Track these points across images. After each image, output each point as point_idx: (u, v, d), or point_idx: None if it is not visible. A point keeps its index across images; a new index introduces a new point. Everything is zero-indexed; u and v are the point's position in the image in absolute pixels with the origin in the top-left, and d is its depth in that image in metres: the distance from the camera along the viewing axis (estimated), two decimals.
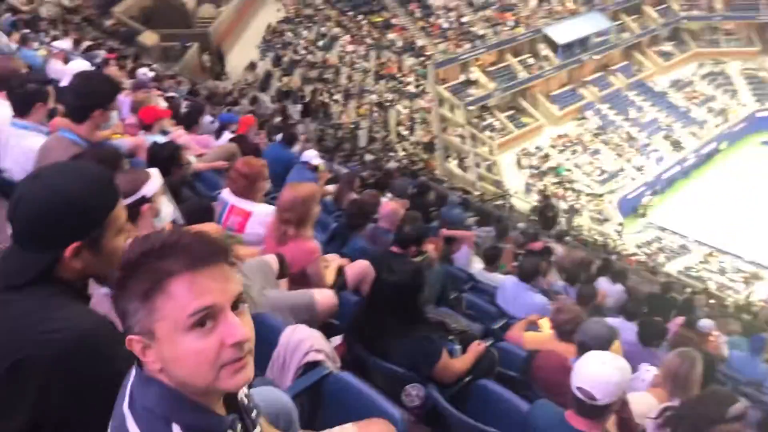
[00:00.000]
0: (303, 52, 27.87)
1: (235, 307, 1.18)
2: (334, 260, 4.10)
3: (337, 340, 3.46)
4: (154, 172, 2.76)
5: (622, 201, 28.17)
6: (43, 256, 1.51)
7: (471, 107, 30.76)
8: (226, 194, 4.18)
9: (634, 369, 4.17)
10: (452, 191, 17.46)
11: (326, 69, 27.69)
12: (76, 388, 1.41)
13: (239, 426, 1.29)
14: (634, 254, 23.56)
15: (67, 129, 3.32)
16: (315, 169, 7.67)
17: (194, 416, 1.18)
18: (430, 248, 5.84)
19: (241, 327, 1.17)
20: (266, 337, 2.82)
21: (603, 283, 8.81)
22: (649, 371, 4.08)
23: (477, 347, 3.41)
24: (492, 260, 7.48)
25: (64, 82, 8.00)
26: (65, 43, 10.16)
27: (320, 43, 29.33)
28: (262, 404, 2.15)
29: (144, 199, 2.65)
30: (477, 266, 7.72)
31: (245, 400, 1.38)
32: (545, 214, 16.53)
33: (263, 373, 2.72)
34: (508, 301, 5.91)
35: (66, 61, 8.97)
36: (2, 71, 3.94)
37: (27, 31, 9.66)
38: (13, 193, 1.56)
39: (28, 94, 3.49)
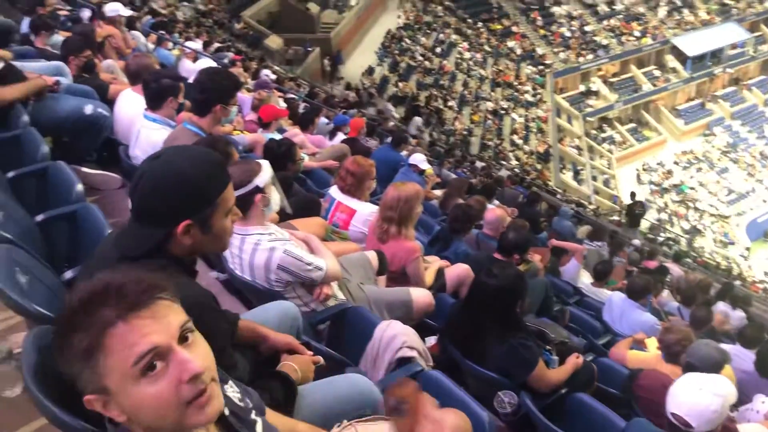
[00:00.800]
0: (420, 58, 28.09)
1: (183, 339, 1.13)
2: (434, 262, 4.11)
3: (432, 340, 3.47)
4: (266, 164, 2.88)
5: (750, 224, 26.38)
6: (157, 231, 1.63)
7: (590, 118, 29.88)
8: (333, 191, 4.29)
9: (748, 399, 3.90)
10: (565, 203, 17.02)
11: (442, 75, 27.77)
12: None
13: None
14: (761, 281, 21.98)
15: (190, 121, 3.53)
16: (422, 173, 7.73)
17: None
18: (535, 258, 5.73)
19: (192, 361, 1.11)
20: (362, 331, 2.88)
21: (721, 308, 8.28)
22: (764, 403, 3.80)
23: (575, 360, 3.32)
24: (602, 275, 7.23)
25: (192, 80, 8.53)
26: (196, 44, 10.76)
27: (438, 49, 29.46)
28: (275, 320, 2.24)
29: (257, 189, 2.77)
30: (585, 280, 7.48)
31: (236, 410, 1.35)
32: (633, 211, 15.81)
33: (356, 364, 2.77)
34: (615, 318, 5.70)
35: (195, 60, 9.55)
36: (138, 67, 4.24)
37: (162, 32, 10.32)
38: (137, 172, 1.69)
39: (161, 89, 3.74)
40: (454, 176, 10.56)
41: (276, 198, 2.92)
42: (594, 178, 26.66)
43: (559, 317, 5.08)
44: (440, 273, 4.06)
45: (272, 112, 6.21)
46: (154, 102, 3.77)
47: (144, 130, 3.77)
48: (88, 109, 3.86)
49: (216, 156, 1.76)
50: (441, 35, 30.48)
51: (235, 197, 2.66)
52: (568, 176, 26.05)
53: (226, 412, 1.29)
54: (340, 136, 8.33)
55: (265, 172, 2.84)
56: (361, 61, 26.10)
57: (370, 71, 25.75)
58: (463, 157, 19.01)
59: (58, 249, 2.72)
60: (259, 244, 2.79)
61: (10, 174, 2.97)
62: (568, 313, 5.39)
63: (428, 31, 30.58)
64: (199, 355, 1.14)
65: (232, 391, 1.39)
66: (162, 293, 1.13)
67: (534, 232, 7.57)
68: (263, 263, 2.77)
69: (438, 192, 8.37)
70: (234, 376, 1.51)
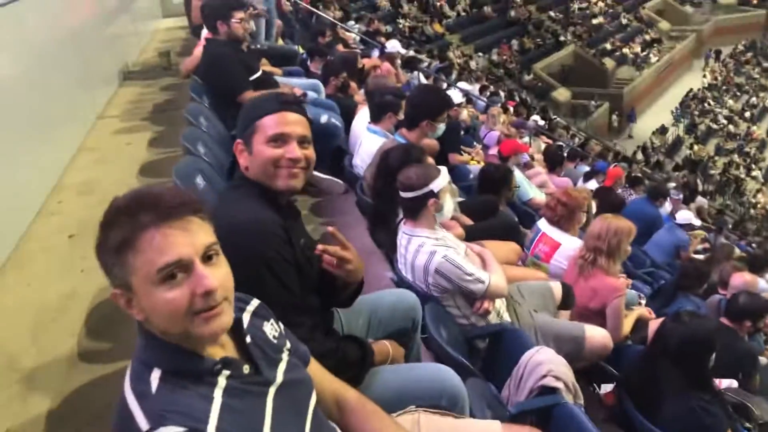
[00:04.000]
0: (723, 121, 25.63)
1: (207, 258, 1.21)
2: (636, 309, 3.73)
3: (608, 387, 3.14)
4: (444, 171, 2.93)
5: None
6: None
7: None
8: (541, 222, 4.16)
9: None
10: None
11: (748, 142, 24.96)
12: (239, 265, 1.62)
13: (245, 366, 1.29)
14: None
15: (400, 134, 3.73)
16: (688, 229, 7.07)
17: (173, 358, 1.21)
18: None
19: (209, 278, 1.19)
20: (512, 353, 2.74)
21: None
22: None
23: None
24: None
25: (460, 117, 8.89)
26: (469, 87, 11.20)
27: (747, 114, 26.59)
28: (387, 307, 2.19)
29: (431, 194, 2.83)
30: None
31: (261, 342, 1.38)
32: None
33: (501, 385, 2.64)
34: None
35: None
36: (374, 86, 4.61)
37: (441, 74, 10.98)
38: None
39: (383, 104, 4.03)
40: (725, 244, 9.40)
41: (449, 206, 2.95)
42: None
43: None
44: (642, 324, 3.67)
45: (512, 147, 6.22)
46: (376, 115, 4.06)
47: (365, 140, 4.08)
48: (323, 118, 4.28)
49: (270, 93, 1.89)
50: (753, 99, 27.49)
51: (408, 199, 2.85)
52: None
53: (248, 339, 1.34)
54: (593, 184, 7.99)
55: (442, 178, 2.89)
56: (653, 120, 24.72)
57: (662, 130, 24.21)
58: (757, 231, 16.79)
59: None
60: (423, 246, 2.82)
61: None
62: None
63: (738, 94, 27.81)
64: (218, 276, 1.23)
65: (271, 328, 1.44)
66: (195, 212, 1.23)
67: None
68: (423, 265, 2.80)
69: (701, 256, 7.56)
70: (298, 334, 1.57)
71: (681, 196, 9.78)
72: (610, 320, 3.45)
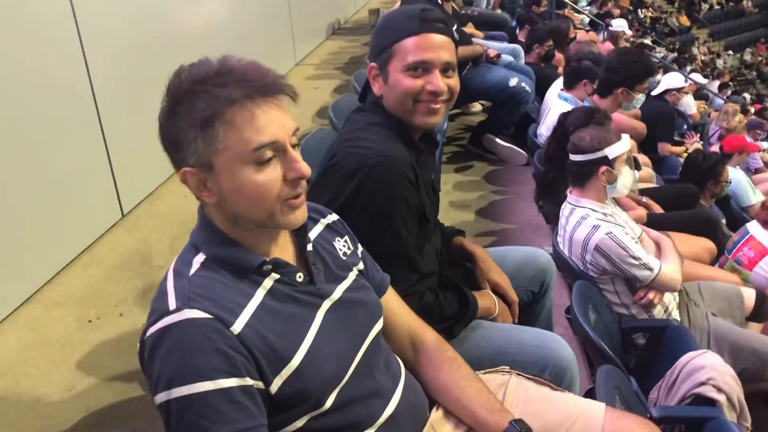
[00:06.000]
0: None
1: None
2: None
3: None
4: (626, 138, 2.58)
5: None
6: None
7: None
8: (752, 224, 3.56)
9: None
10: None
11: None
12: (358, 204, 1.49)
13: (299, 274, 1.17)
14: None
15: (590, 101, 3.39)
16: None
17: (223, 247, 1.12)
18: None
19: (301, 163, 1.09)
20: (674, 354, 2.34)
21: None
22: None
23: None
24: None
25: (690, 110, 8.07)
26: (704, 81, 10.09)
27: None
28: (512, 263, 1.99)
29: (605, 160, 2.51)
30: None
31: (324, 253, 1.27)
32: None
33: (650, 387, 2.28)
34: None
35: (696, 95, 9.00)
36: (575, 51, 4.25)
37: (672, 65, 10.02)
38: None
39: (578, 70, 3.69)
40: None
41: (627, 181, 2.58)
42: None
43: None
44: None
45: (737, 144, 5.47)
46: (570, 81, 3.74)
47: (553, 108, 3.77)
48: (513, 81, 4.04)
49: (412, 8, 1.60)
50: None
51: (577, 162, 2.55)
52: None
53: (309, 248, 1.24)
54: None
55: (621, 145, 2.54)
56: None
57: None
58: None
59: None
60: (585, 219, 2.51)
61: None
62: None
63: None
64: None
65: (343, 244, 1.33)
66: (286, 90, 1.10)
67: None
68: (582, 239, 2.49)
69: None
70: (400, 288, 1.46)
71: None
72: None
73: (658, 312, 2.58)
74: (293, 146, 1.11)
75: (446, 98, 1.59)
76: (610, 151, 2.51)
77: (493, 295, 1.77)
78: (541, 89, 4.43)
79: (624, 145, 2.56)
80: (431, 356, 1.38)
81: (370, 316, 1.28)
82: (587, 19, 10.11)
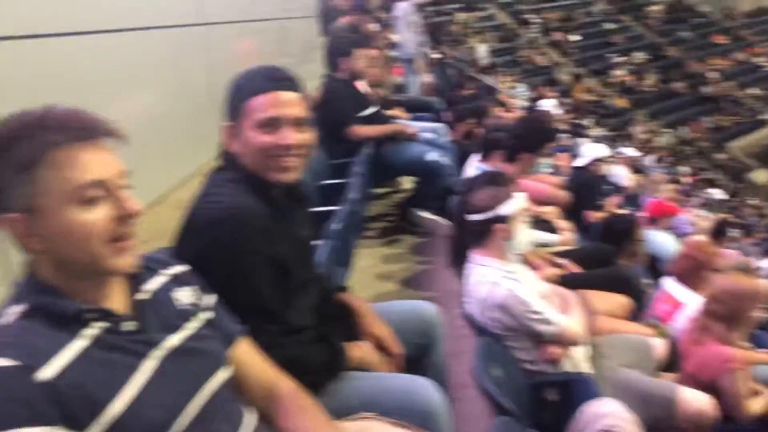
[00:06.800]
0: None
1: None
2: None
3: None
4: (520, 196, 2.66)
5: None
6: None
7: None
8: (667, 280, 3.66)
9: None
10: None
11: None
12: (212, 258, 1.49)
13: (129, 323, 1.18)
14: None
15: (499, 168, 3.50)
16: None
17: (41, 297, 1.11)
18: None
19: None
20: (582, 404, 2.34)
21: None
22: None
23: None
24: None
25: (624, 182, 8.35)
26: (633, 152, 10.50)
27: None
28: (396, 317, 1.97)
29: (498, 218, 2.58)
30: None
31: (165, 300, 1.28)
32: None
33: None
34: None
35: (630, 168, 9.35)
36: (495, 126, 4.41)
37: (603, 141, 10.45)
38: None
39: (492, 141, 3.83)
40: None
41: (524, 237, 2.65)
42: None
43: None
44: None
45: (662, 209, 5.67)
46: (484, 152, 3.86)
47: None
48: (430, 156, 4.17)
49: (260, 68, 1.66)
50: None
51: (474, 222, 2.62)
52: None
53: (143, 296, 1.24)
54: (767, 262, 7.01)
55: (514, 203, 2.62)
56: None
57: None
58: None
59: None
60: (486, 277, 2.55)
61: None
62: None
63: None
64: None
65: (188, 294, 1.33)
66: (109, 133, 1.14)
67: None
68: (484, 297, 2.52)
69: None
70: (259, 341, 1.46)
71: None
72: (726, 397, 2.88)
73: (567, 367, 2.58)
74: (123, 187, 1.14)
75: (300, 152, 1.63)
76: (504, 209, 2.58)
77: (368, 347, 1.76)
78: (465, 164, 4.57)
79: (517, 203, 2.63)
80: (285, 406, 1.38)
81: (211, 366, 1.27)
82: (523, 104, 10.59)
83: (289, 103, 1.61)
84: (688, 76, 24.25)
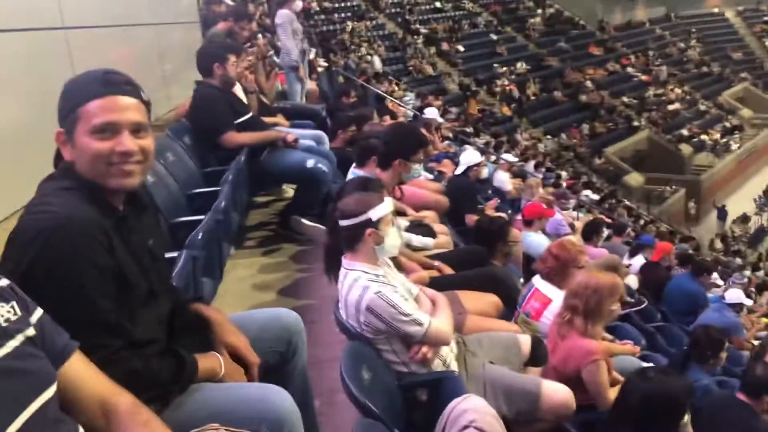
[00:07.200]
0: None
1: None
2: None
3: None
4: (387, 201, 2.70)
5: None
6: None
7: None
8: (536, 278, 3.82)
9: None
10: None
11: None
12: (40, 271, 1.42)
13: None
14: None
15: (375, 174, 3.55)
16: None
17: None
18: None
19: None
20: (447, 400, 2.40)
21: None
22: None
23: None
24: None
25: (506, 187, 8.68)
26: (513, 159, 10.96)
27: None
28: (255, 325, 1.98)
29: (369, 222, 2.60)
30: None
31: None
32: None
33: None
34: None
35: (511, 173, 9.74)
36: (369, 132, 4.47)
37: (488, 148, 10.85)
38: None
39: (366, 148, 3.88)
40: None
41: (394, 241, 2.68)
42: None
43: None
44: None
45: (536, 211, 5.92)
46: (360, 159, 3.90)
47: None
48: (310, 162, 4.16)
49: (94, 72, 1.61)
50: None
51: (345, 227, 2.63)
52: None
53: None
54: (640, 259, 7.47)
55: (383, 207, 2.65)
56: (734, 208, 23.46)
57: (744, 219, 22.93)
58: None
59: None
60: (357, 281, 2.56)
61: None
62: None
63: None
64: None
65: (7, 310, 1.22)
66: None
67: None
68: (354, 301, 2.53)
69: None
70: (96, 357, 1.38)
71: (745, 280, 8.99)
72: (589, 387, 3.05)
73: (437, 366, 2.63)
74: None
75: (140, 159, 1.57)
76: (374, 214, 2.60)
77: (219, 356, 1.72)
78: (346, 171, 4.59)
79: (386, 207, 2.66)
80: (123, 422, 1.32)
81: (34, 385, 1.19)
82: (411, 113, 10.77)
83: (127, 108, 1.56)
84: (566, 86, 25.60)
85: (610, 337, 3.80)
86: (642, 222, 15.72)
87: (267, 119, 4.80)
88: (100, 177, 1.54)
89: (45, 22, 3.87)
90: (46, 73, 3.67)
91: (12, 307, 1.25)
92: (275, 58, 6.86)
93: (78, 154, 1.55)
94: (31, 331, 1.24)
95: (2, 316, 1.22)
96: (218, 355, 1.72)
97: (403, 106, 11.08)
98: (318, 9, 22.76)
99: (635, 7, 33.92)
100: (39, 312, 1.30)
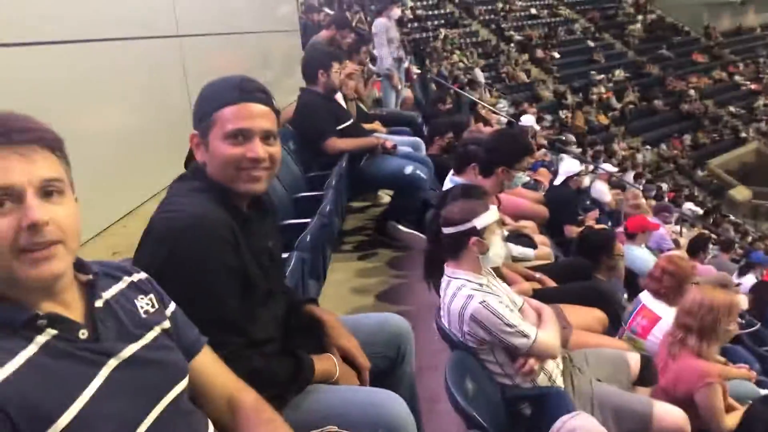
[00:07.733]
0: None
1: (47, 193, 1.07)
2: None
3: None
4: (493, 209, 2.64)
5: None
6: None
7: None
8: (644, 294, 3.66)
9: None
10: None
11: None
12: (172, 267, 1.46)
13: (83, 331, 1.13)
14: None
15: (476, 182, 3.49)
16: None
17: None
18: None
19: (37, 210, 1.05)
20: (555, 418, 2.31)
21: None
22: None
23: None
24: None
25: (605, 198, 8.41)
26: (612, 168, 10.59)
27: None
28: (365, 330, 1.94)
29: (474, 230, 2.56)
30: None
31: (118, 308, 1.22)
32: None
33: None
34: None
35: (609, 184, 9.42)
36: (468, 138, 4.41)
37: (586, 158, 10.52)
38: None
39: (465, 154, 3.82)
40: None
41: (498, 251, 2.62)
42: None
43: None
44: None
45: (641, 224, 5.67)
46: (459, 166, 3.85)
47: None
48: (408, 169, 4.15)
49: (231, 78, 1.64)
50: None
51: (448, 235, 2.59)
52: None
53: (99, 303, 1.19)
54: (751, 278, 7.05)
55: (488, 216, 2.60)
56: None
57: None
58: None
59: None
60: (461, 290, 2.52)
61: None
62: None
63: None
64: (54, 213, 1.08)
65: (146, 302, 1.28)
66: (41, 141, 1.09)
67: None
68: (458, 310, 2.49)
69: None
70: (220, 354, 1.42)
71: None
72: (702, 411, 2.87)
73: (542, 380, 2.55)
74: (47, 195, 1.09)
75: (267, 165, 1.61)
76: (479, 222, 2.56)
77: (334, 359, 1.73)
78: (443, 178, 4.56)
79: (492, 216, 2.61)
80: (248, 418, 1.34)
81: (169, 376, 1.23)
82: (504, 119, 10.64)
83: (259, 116, 1.60)
84: (667, 94, 24.57)
85: (723, 359, 3.58)
86: (750, 239, 14.82)
87: (365, 126, 4.85)
88: (229, 180, 1.59)
89: (162, 31, 4.05)
90: (161, 79, 3.84)
91: (150, 299, 1.30)
92: (371, 66, 6.92)
93: (210, 157, 1.61)
94: (166, 324, 1.29)
95: (142, 307, 1.27)
96: (334, 358, 1.73)
97: (497, 113, 10.97)
98: (411, 17, 22.86)
99: (745, 12, 32.10)
100: (173, 306, 1.35)
